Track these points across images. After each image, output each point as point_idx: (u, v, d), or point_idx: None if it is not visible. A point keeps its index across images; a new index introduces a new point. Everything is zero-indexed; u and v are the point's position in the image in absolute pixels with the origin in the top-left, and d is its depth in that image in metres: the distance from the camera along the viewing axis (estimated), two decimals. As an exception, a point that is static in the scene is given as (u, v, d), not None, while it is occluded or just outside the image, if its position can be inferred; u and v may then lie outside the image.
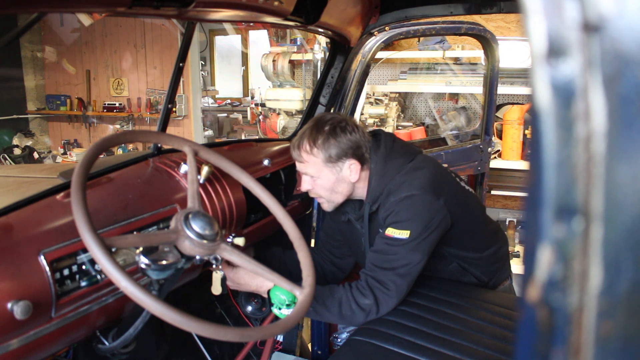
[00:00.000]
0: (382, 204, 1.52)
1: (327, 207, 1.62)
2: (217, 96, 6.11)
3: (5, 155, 5.06)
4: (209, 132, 5.47)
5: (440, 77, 3.47)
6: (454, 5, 1.77)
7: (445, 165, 2.27)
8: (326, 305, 1.43)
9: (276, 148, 1.84)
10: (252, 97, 5.17)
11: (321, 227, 1.93)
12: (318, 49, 3.70)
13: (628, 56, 0.27)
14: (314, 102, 2.00)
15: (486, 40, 2.31)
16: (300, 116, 2.40)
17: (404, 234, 1.44)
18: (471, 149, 2.47)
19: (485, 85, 2.43)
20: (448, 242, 1.58)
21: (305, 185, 1.60)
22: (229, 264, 1.39)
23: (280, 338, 2.02)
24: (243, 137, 5.11)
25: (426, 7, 1.80)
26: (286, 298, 1.59)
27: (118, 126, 5.50)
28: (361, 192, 1.60)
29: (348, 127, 1.54)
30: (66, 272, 0.98)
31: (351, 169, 1.54)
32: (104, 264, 0.84)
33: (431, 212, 1.46)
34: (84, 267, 1.02)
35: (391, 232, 1.46)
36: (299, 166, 1.59)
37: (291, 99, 3.97)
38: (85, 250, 1.00)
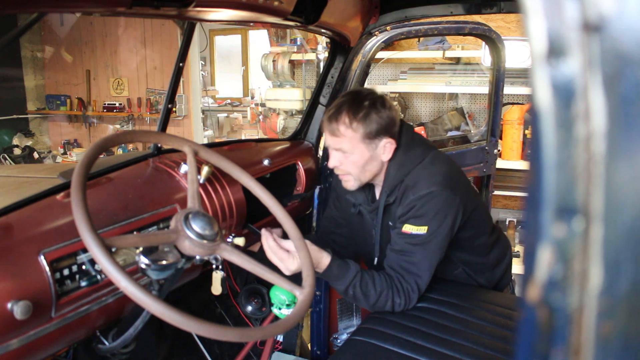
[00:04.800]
0: (399, 199, 1.50)
1: (352, 185, 1.55)
2: (217, 96, 6.11)
3: (5, 155, 5.06)
4: (209, 132, 5.47)
5: (440, 77, 3.46)
6: (454, 5, 1.76)
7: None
8: (366, 294, 1.42)
9: (276, 148, 1.84)
10: (252, 97, 5.17)
11: (323, 216, 1.90)
12: (322, 49, 3.69)
13: (628, 56, 0.27)
14: (314, 102, 2.00)
15: (491, 41, 2.28)
16: (300, 116, 2.40)
17: (421, 230, 1.43)
18: (476, 150, 2.43)
19: (491, 86, 2.41)
20: (456, 243, 1.58)
21: (334, 160, 1.51)
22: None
23: (280, 338, 2.03)
24: (243, 137, 5.12)
25: (426, 7, 1.79)
26: (286, 298, 1.59)
27: (118, 126, 5.49)
28: (379, 178, 1.56)
29: (387, 102, 1.49)
30: (66, 272, 0.98)
31: (386, 148, 1.49)
32: (104, 264, 0.84)
33: (449, 208, 1.45)
34: (84, 267, 1.02)
35: (409, 228, 1.44)
36: (331, 140, 1.50)
37: (291, 99, 3.97)
38: (85, 250, 1.00)
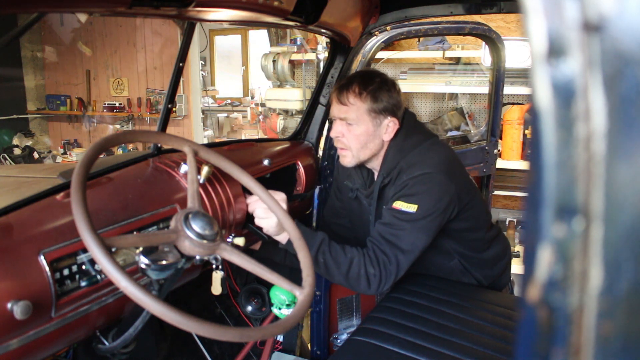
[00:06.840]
0: (393, 181, 1.51)
1: (349, 161, 1.57)
2: (217, 96, 6.12)
3: (5, 155, 5.06)
4: (209, 132, 5.47)
5: (440, 77, 3.46)
6: (454, 5, 1.76)
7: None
8: (337, 262, 1.40)
9: (276, 148, 1.84)
10: (252, 97, 5.18)
11: (326, 207, 1.92)
12: (322, 49, 3.69)
13: (628, 56, 0.27)
14: (314, 102, 2.00)
15: (491, 41, 2.28)
16: (300, 116, 2.40)
17: (411, 208, 1.42)
18: (476, 150, 2.43)
19: (491, 86, 2.41)
20: (451, 234, 1.58)
21: (336, 131, 1.53)
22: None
23: (280, 338, 2.03)
24: (243, 137, 5.12)
25: (426, 7, 1.80)
26: (286, 298, 1.59)
27: (118, 126, 5.50)
28: (376, 162, 1.58)
29: (396, 86, 1.54)
30: (66, 272, 0.98)
31: (388, 127, 1.52)
32: (104, 264, 0.84)
33: (442, 192, 1.44)
34: (84, 267, 1.02)
35: (399, 204, 1.44)
36: (338, 109, 1.53)
37: (291, 99, 3.97)
38: (85, 250, 1.00)
